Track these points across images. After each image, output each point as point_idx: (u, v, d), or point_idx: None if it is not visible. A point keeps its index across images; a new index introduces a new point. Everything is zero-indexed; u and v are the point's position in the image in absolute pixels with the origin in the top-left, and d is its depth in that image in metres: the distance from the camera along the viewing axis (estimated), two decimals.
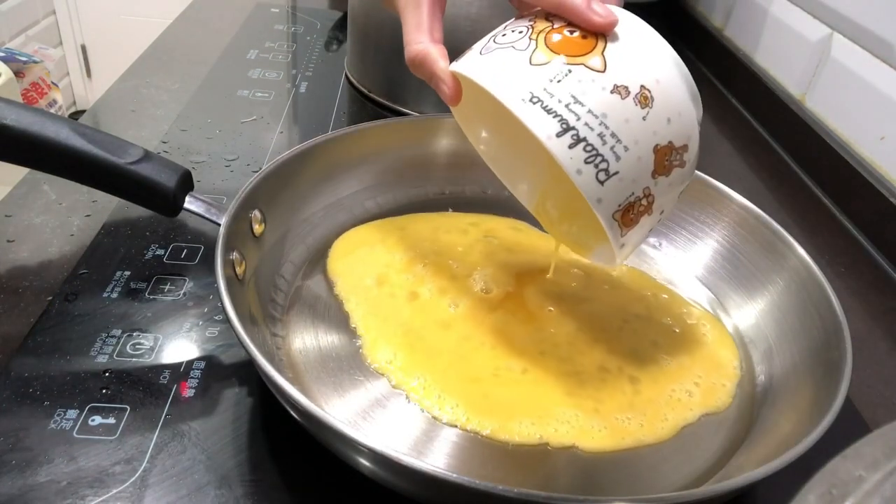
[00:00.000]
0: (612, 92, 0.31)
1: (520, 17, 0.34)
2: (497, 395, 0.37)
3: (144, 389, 0.37)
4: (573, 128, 0.30)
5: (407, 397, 0.37)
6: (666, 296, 0.46)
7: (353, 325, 0.41)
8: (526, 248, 0.48)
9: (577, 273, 0.47)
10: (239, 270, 0.38)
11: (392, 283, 0.44)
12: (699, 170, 0.49)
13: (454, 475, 0.27)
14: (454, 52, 0.35)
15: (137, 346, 0.39)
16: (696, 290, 0.47)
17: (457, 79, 0.35)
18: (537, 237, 0.50)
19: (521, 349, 0.40)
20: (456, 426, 0.36)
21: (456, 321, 0.41)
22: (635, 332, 0.42)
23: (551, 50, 0.31)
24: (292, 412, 0.32)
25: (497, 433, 0.35)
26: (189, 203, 0.40)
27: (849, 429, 0.31)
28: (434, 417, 0.36)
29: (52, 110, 1.53)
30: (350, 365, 0.39)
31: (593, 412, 0.37)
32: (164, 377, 0.37)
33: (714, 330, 0.43)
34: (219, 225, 0.38)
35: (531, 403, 0.37)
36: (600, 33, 0.32)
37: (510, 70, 0.31)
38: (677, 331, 0.43)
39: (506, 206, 0.52)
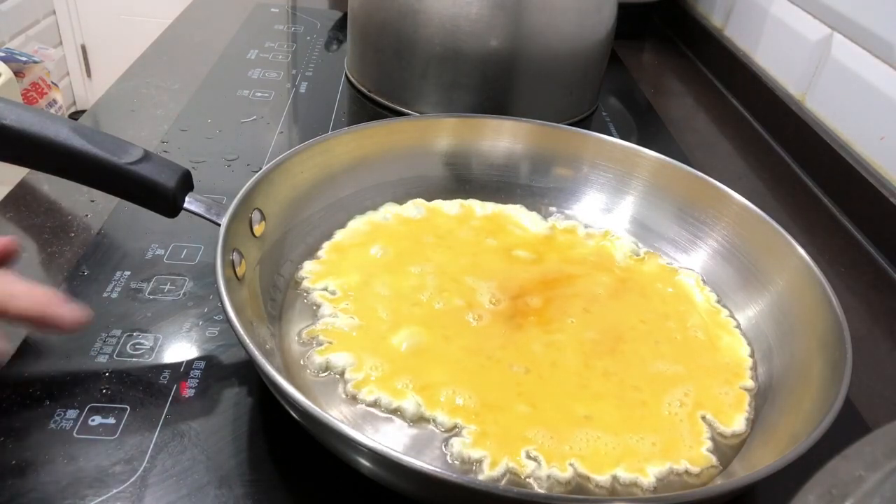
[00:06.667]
0: None
1: None
2: (505, 416, 0.36)
3: (144, 389, 0.37)
4: None
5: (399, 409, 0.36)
6: (671, 290, 0.46)
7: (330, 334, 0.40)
8: (533, 249, 0.48)
9: (579, 274, 0.47)
10: (239, 270, 0.38)
11: (389, 289, 0.43)
12: (700, 169, 0.49)
13: (454, 475, 0.27)
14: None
15: (137, 346, 0.39)
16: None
17: None
18: (540, 239, 0.50)
19: (530, 360, 0.39)
20: (459, 433, 0.35)
21: (458, 332, 0.41)
22: (651, 333, 0.42)
23: None
24: (292, 412, 0.32)
25: (499, 462, 0.34)
26: (189, 203, 0.40)
27: (849, 429, 0.31)
28: (436, 423, 0.36)
29: (52, 110, 1.53)
30: None
31: (611, 434, 0.36)
32: (164, 377, 0.37)
33: (732, 338, 0.43)
34: (219, 225, 0.38)
35: (543, 424, 0.36)
36: None
37: None
38: (698, 336, 0.43)
39: (508, 203, 0.52)
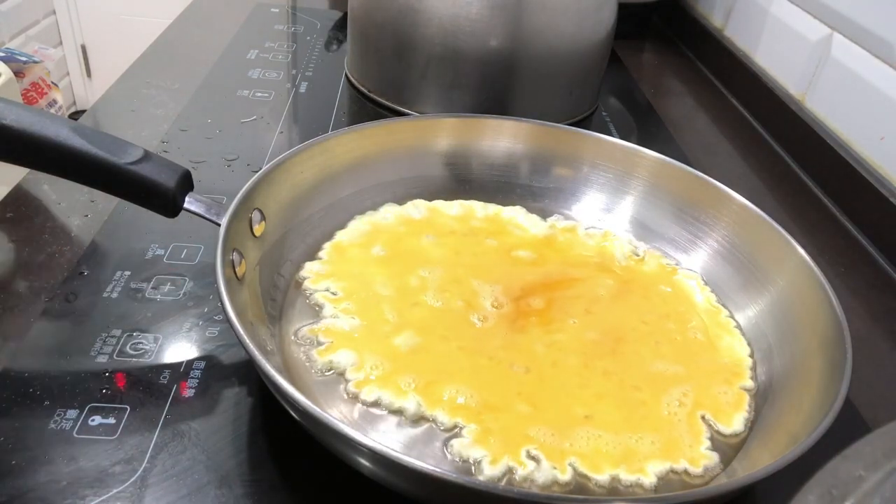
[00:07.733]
0: None
1: None
2: (505, 415, 0.36)
3: (144, 389, 0.37)
4: None
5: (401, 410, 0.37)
6: (671, 291, 0.46)
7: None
8: (534, 250, 0.48)
9: (579, 275, 0.47)
10: (239, 270, 0.38)
11: (390, 289, 0.43)
12: (700, 169, 0.49)
13: (454, 475, 0.27)
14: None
15: (137, 346, 0.39)
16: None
17: None
18: (540, 240, 0.50)
19: (530, 360, 0.39)
20: (459, 432, 0.35)
21: (459, 332, 0.41)
22: (651, 333, 0.42)
23: None
24: (292, 412, 0.32)
25: (499, 462, 0.34)
26: (189, 203, 0.40)
27: (849, 429, 0.31)
28: (436, 423, 0.36)
29: (52, 110, 1.53)
30: None
31: (611, 433, 0.36)
32: (164, 377, 0.37)
33: (731, 338, 0.43)
34: (219, 225, 0.38)
35: (543, 423, 0.36)
36: None
37: None
38: (699, 338, 0.43)
39: (508, 203, 0.52)
